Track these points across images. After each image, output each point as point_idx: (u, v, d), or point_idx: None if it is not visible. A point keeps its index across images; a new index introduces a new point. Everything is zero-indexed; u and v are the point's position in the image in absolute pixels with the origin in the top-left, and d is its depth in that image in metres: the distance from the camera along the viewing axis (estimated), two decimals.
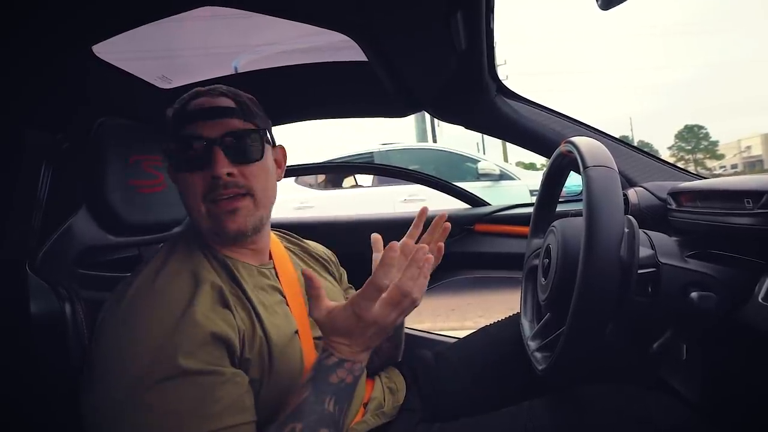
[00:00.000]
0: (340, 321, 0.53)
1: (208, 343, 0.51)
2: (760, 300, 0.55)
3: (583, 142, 0.60)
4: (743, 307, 0.58)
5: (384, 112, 1.12)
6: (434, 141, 10.07)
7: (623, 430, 0.62)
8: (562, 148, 0.69)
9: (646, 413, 0.62)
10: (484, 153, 8.61)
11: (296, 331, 0.63)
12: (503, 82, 1.01)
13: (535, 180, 3.72)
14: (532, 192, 3.55)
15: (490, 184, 3.77)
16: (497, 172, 3.82)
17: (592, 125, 1.03)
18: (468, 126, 1.10)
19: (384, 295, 0.52)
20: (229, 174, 0.59)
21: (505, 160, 11.52)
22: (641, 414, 0.62)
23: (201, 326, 0.52)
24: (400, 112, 1.11)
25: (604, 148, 0.58)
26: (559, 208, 0.87)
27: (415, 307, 0.54)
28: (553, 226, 0.71)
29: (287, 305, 0.65)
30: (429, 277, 0.54)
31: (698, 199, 0.73)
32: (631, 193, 0.91)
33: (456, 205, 1.40)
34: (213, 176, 0.58)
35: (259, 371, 0.57)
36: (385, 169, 1.59)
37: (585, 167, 0.55)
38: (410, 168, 1.52)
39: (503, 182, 3.79)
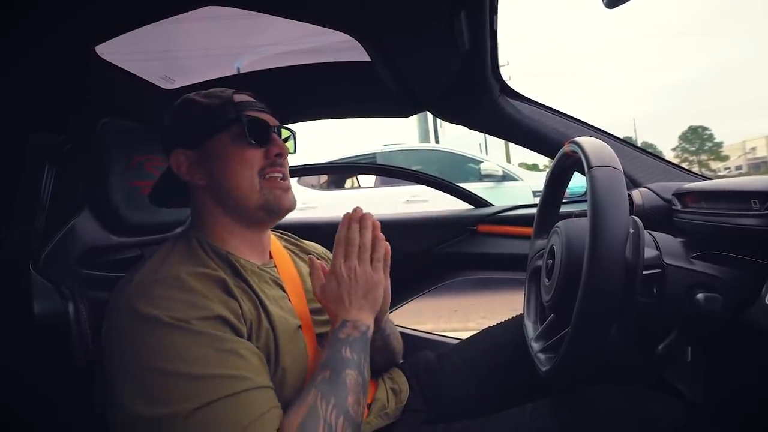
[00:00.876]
0: (328, 288, 0.63)
1: (216, 319, 0.52)
2: (766, 302, 0.55)
3: (587, 142, 0.59)
4: (749, 308, 0.57)
5: (387, 112, 1.12)
6: (437, 142, 10.06)
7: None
8: (566, 148, 0.69)
9: (650, 414, 0.62)
10: (486, 154, 8.60)
11: (299, 326, 0.63)
12: (506, 82, 1.01)
13: (538, 181, 3.72)
14: (535, 193, 3.54)
15: (493, 185, 3.76)
16: (500, 173, 3.81)
17: (595, 126, 1.02)
18: (471, 126, 1.09)
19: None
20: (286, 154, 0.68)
21: (508, 160, 11.50)
22: (645, 415, 0.62)
23: (208, 308, 0.52)
24: (403, 112, 1.11)
25: (609, 148, 0.58)
26: (563, 209, 0.86)
27: (380, 263, 0.65)
28: (557, 227, 0.71)
29: (289, 301, 0.66)
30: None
31: (703, 200, 0.72)
32: (636, 193, 0.91)
33: (459, 205, 1.40)
34: (279, 152, 0.66)
35: (267, 361, 0.57)
36: (387, 170, 1.59)
37: (590, 167, 0.54)
38: (413, 169, 1.52)
39: (506, 183, 3.78)
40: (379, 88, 0.93)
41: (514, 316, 0.95)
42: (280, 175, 0.66)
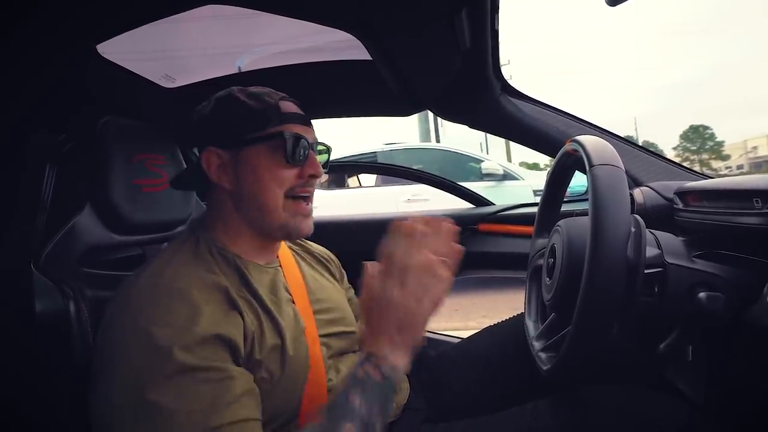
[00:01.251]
0: (364, 306, 0.52)
1: (209, 342, 0.51)
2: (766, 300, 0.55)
3: (588, 140, 0.59)
4: (751, 307, 0.57)
5: (387, 111, 1.12)
6: (437, 141, 10.05)
7: (628, 431, 0.62)
8: (568, 146, 0.69)
9: (652, 414, 0.62)
10: (487, 153, 8.58)
11: (303, 329, 0.63)
12: (507, 81, 1.00)
13: (539, 180, 3.71)
14: (536, 192, 3.53)
15: (494, 184, 3.76)
16: (501, 172, 3.81)
17: (597, 124, 1.02)
18: (472, 125, 1.09)
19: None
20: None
21: (509, 160, 11.48)
22: (647, 415, 0.62)
23: (204, 326, 0.51)
24: (404, 111, 1.11)
25: (611, 146, 0.57)
26: (564, 208, 0.86)
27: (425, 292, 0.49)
28: (558, 226, 0.71)
29: (293, 303, 0.66)
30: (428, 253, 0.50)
31: (705, 198, 0.72)
32: (637, 192, 0.90)
33: (460, 204, 1.40)
34: (313, 173, 0.64)
35: (269, 371, 0.56)
36: (388, 169, 1.58)
37: (591, 166, 0.54)
38: (414, 168, 1.51)
39: (507, 182, 3.78)
40: (379, 86, 0.93)
41: (515, 315, 0.95)
42: (307, 195, 0.65)
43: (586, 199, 0.55)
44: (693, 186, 0.79)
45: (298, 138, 0.62)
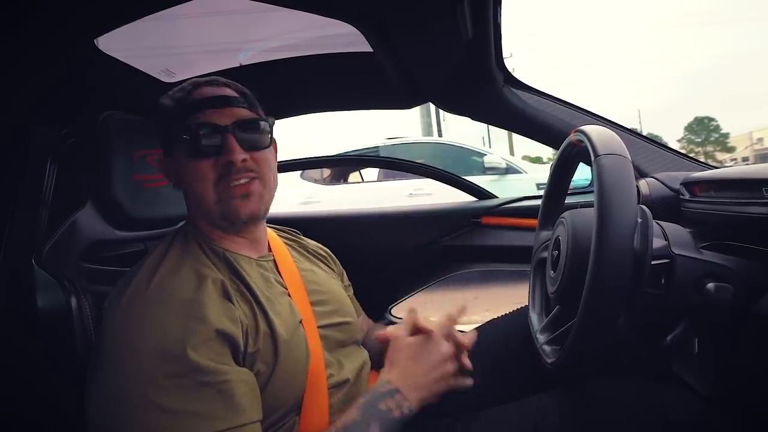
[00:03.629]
0: (392, 346, 0.65)
1: (213, 339, 0.51)
2: None
3: (593, 130, 0.58)
4: (760, 298, 0.56)
5: (389, 103, 1.11)
6: (440, 135, 10.02)
7: (636, 425, 0.61)
8: (572, 137, 0.68)
9: (659, 407, 0.61)
10: (490, 146, 8.54)
11: (300, 321, 0.63)
12: (510, 72, 0.99)
13: (542, 173, 3.69)
14: (539, 185, 3.51)
15: (497, 177, 3.74)
16: (504, 165, 3.79)
17: (601, 115, 1.00)
18: (475, 117, 1.08)
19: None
20: (243, 160, 0.60)
21: (511, 153, 11.43)
22: (654, 408, 0.61)
23: (208, 322, 0.51)
24: (406, 104, 1.10)
25: (616, 136, 0.56)
26: (567, 200, 0.85)
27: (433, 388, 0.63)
28: (562, 218, 0.70)
29: (289, 296, 0.65)
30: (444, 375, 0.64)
31: (713, 188, 0.71)
32: (643, 183, 0.89)
33: (463, 198, 1.39)
34: (228, 161, 0.59)
35: (265, 363, 0.56)
36: (391, 163, 1.57)
37: (596, 155, 0.53)
38: (416, 162, 1.51)
39: (510, 176, 3.76)
40: (381, 79, 0.92)
41: (519, 308, 0.95)
42: (242, 180, 0.60)
43: (589, 192, 0.54)
44: (700, 176, 0.78)
45: (205, 127, 0.59)
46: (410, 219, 1.35)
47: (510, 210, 1.23)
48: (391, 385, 0.59)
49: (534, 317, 0.80)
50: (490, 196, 1.34)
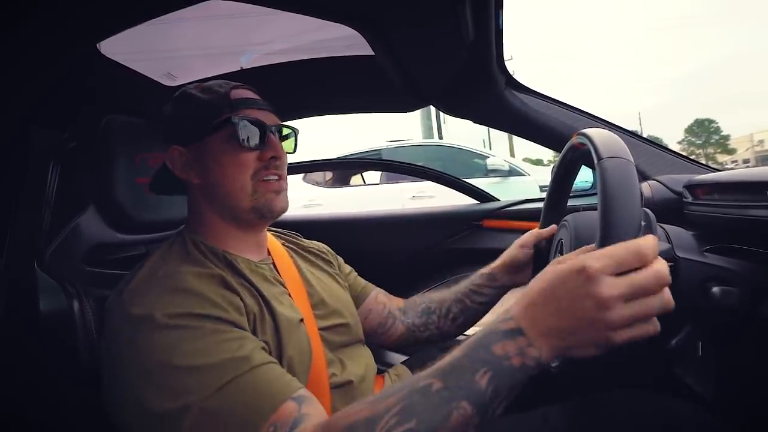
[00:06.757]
0: (548, 277, 0.43)
1: (214, 317, 0.52)
2: None
3: (596, 133, 0.58)
4: (765, 301, 0.56)
5: (390, 106, 1.11)
6: (440, 138, 10.03)
7: None
8: (574, 140, 0.67)
9: (669, 421, 0.60)
10: (490, 149, 8.54)
11: (301, 320, 0.63)
12: (512, 75, 0.99)
13: (543, 175, 3.69)
14: (541, 187, 3.51)
15: (499, 180, 3.75)
16: (506, 167, 3.79)
17: (603, 118, 1.00)
18: (476, 120, 1.08)
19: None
20: (281, 157, 0.65)
21: (512, 155, 11.42)
22: (664, 422, 0.60)
23: (206, 305, 0.52)
24: (407, 107, 1.10)
25: (619, 139, 0.56)
26: (569, 203, 0.85)
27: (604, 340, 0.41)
28: (565, 221, 0.70)
29: (290, 296, 0.66)
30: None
31: (716, 191, 0.71)
32: (645, 186, 0.89)
33: (464, 201, 1.39)
34: (272, 156, 0.64)
35: (272, 356, 0.56)
36: (393, 166, 1.58)
37: (600, 158, 0.53)
38: (418, 164, 1.51)
39: (512, 178, 3.76)
40: (382, 81, 0.92)
41: None
42: (275, 177, 0.65)
43: (592, 194, 0.54)
44: (703, 179, 0.78)
45: (250, 121, 0.62)
46: (412, 222, 1.35)
47: (511, 213, 1.22)
48: (514, 322, 0.42)
49: None
50: (492, 198, 1.34)
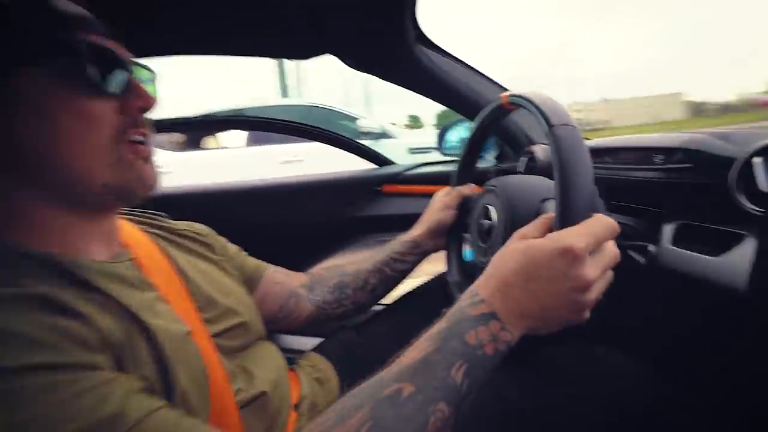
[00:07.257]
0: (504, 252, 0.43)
1: (39, 368, 0.33)
2: (667, 245, 0.63)
3: (540, 98, 0.56)
4: (655, 252, 0.65)
5: (286, 51, 0.94)
6: (300, 97, 9.61)
7: (587, 392, 0.63)
8: (504, 100, 0.65)
9: (609, 373, 0.66)
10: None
11: (188, 332, 0.47)
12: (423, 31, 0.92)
13: (412, 138, 3.86)
14: (411, 150, 3.67)
15: (371, 143, 3.78)
16: (378, 129, 3.83)
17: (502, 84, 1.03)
18: (385, 77, 0.99)
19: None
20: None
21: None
22: (603, 374, 0.66)
23: (38, 348, 0.33)
24: (304, 53, 0.94)
25: (563, 105, 0.56)
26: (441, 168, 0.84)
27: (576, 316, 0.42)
28: (492, 185, 0.69)
29: (167, 302, 0.48)
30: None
31: (607, 155, 0.79)
32: (538, 149, 0.95)
33: (343, 165, 1.32)
34: (141, 107, 0.46)
35: (154, 391, 0.40)
36: (274, 124, 1.37)
37: (551, 126, 0.51)
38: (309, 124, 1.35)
39: (383, 140, 3.83)
40: (279, 20, 0.75)
41: (434, 276, 0.94)
42: (143, 138, 0.46)
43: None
44: (595, 144, 0.86)
45: (105, 52, 0.43)
46: (304, 189, 1.23)
47: (411, 177, 1.21)
48: (486, 306, 0.40)
49: (455, 285, 0.79)
50: (389, 162, 1.31)
